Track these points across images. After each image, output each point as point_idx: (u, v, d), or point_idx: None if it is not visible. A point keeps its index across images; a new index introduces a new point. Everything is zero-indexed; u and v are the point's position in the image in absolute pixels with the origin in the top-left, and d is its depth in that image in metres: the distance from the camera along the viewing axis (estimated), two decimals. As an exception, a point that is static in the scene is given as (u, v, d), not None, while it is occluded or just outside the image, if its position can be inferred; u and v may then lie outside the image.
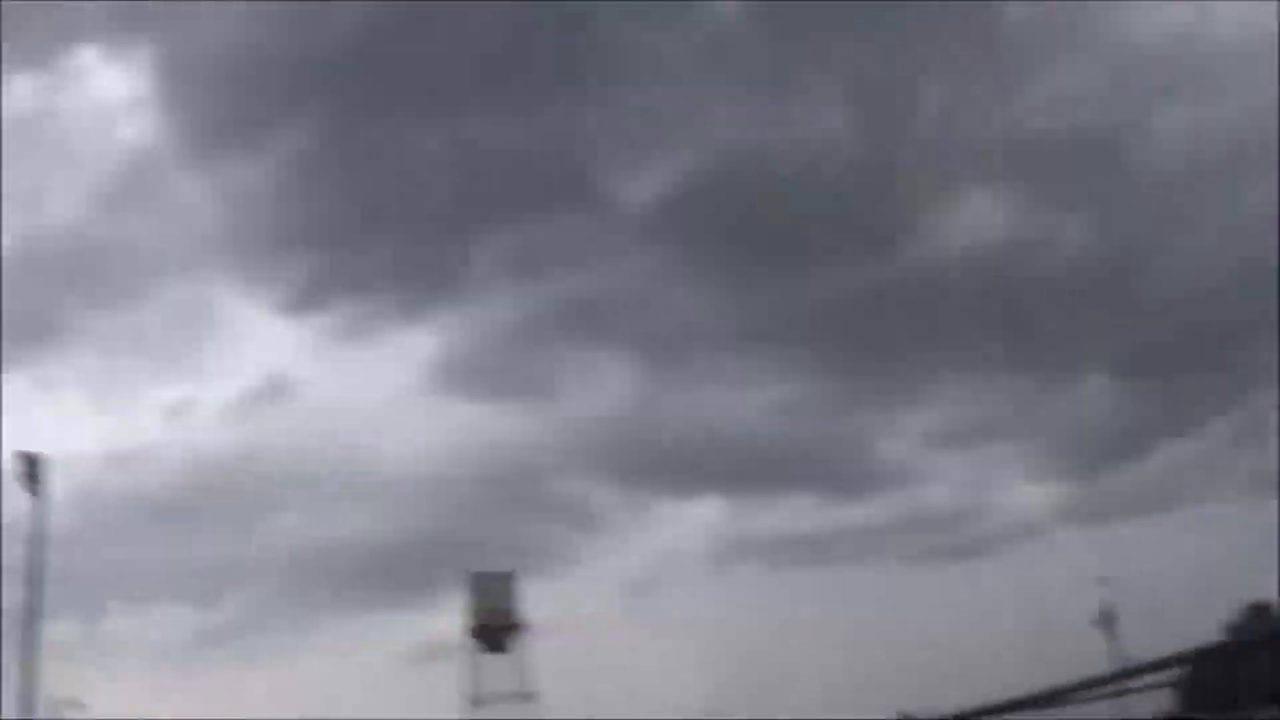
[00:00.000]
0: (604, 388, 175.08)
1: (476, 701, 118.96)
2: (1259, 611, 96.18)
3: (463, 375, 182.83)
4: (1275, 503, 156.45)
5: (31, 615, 55.16)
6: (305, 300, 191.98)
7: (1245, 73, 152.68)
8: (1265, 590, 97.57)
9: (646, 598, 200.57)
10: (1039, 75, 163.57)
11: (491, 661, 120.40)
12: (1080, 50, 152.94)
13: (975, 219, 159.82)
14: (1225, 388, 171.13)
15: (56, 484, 64.91)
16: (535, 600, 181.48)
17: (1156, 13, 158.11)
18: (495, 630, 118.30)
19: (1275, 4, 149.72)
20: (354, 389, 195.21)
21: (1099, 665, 75.68)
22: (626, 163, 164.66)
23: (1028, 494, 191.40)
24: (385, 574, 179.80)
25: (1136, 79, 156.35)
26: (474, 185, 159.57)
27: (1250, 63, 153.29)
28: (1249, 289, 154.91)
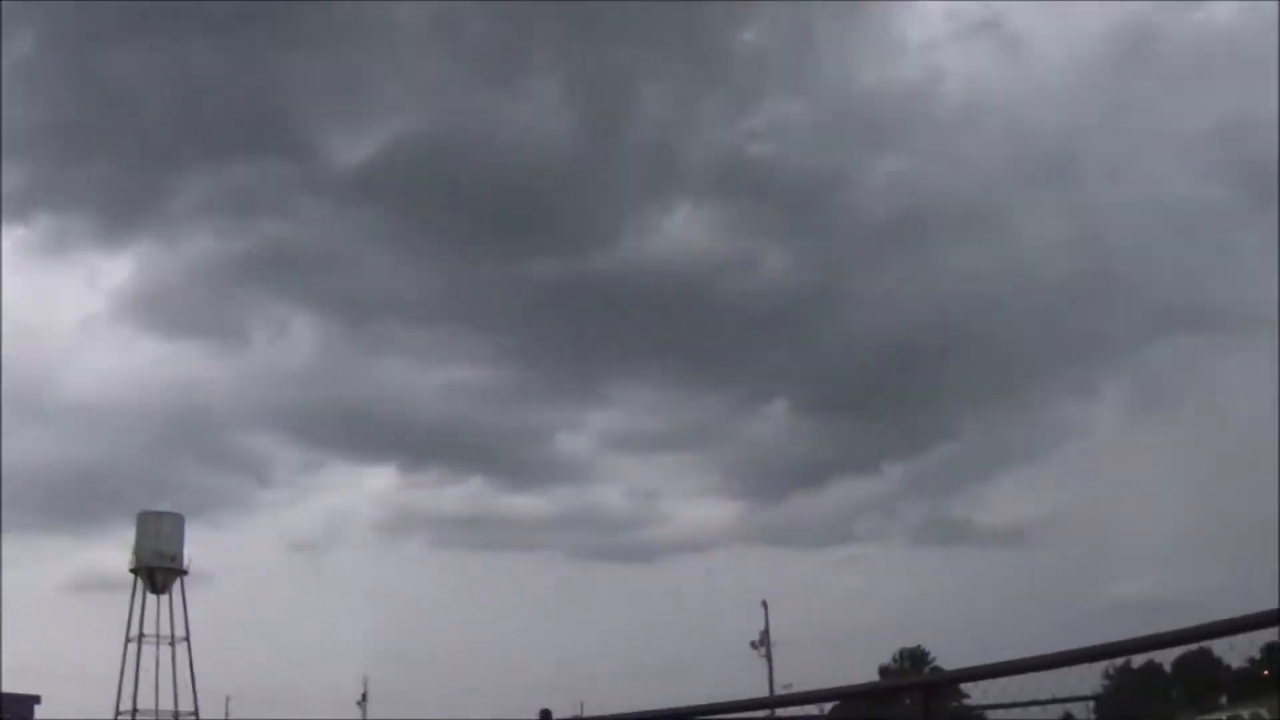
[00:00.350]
0: (293, 343, 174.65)
1: (132, 639, 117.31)
2: (914, 658, 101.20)
3: (154, 310, 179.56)
4: (936, 553, 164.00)
5: None
6: (6, 211, 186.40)
7: (963, 135, 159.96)
8: (918, 635, 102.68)
9: (311, 556, 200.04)
10: (763, 104, 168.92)
11: (151, 601, 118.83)
12: (807, 89, 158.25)
13: (681, 232, 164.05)
14: (906, 435, 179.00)
15: None
16: (201, 545, 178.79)
17: (889, 64, 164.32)
18: (158, 571, 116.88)
19: (1004, 67, 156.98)
20: (44, 309, 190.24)
21: (755, 687, 78.41)
22: (341, 121, 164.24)
23: (702, 508, 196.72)
24: (54, 501, 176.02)
25: (857, 125, 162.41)
26: (188, 120, 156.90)
27: (970, 126, 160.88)
28: (934, 344, 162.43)
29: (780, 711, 13.69)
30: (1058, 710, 14.94)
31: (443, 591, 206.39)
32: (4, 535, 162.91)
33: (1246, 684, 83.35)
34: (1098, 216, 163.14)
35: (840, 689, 9.04)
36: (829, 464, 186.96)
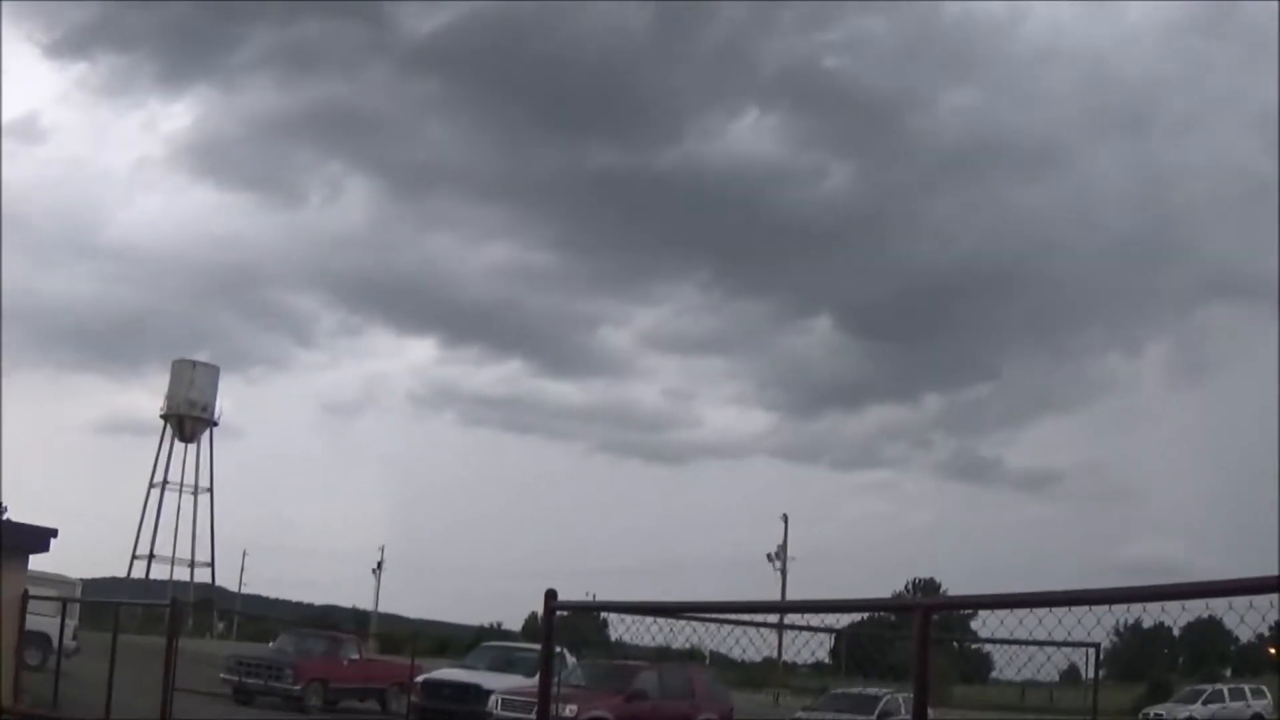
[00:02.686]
0: (345, 205, 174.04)
1: (156, 485, 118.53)
2: (925, 589, 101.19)
3: (209, 158, 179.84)
4: (962, 487, 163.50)
5: None
6: (70, 46, 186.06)
7: (1040, 74, 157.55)
8: (932, 568, 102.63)
9: (342, 420, 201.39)
10: (844, 18, 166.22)
11: (178, 450, 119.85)
12: (890, 8, 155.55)
13: (746, 138, 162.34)
14: (947, 368, 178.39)
15: None
16: (234, 399, 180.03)
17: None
18: (188, 420, 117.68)
19: (1088, 13, 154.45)
20: (100, 147, 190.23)
21: (766, 599, 78.47)
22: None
23: (734, 416, 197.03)
24: (92, 340, 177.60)
25: (935, 50, 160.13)
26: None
27: (1047, 67, 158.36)
28: (986, 279, 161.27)
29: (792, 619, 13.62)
30: (1062, 661, 14.74)
31: (468, 469, 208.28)
32: (38, 371, 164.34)
33: (1252, 659, 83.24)
34: (1162, 174, 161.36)
35: (841, 601, 8.87)
36: (866, 387, 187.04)
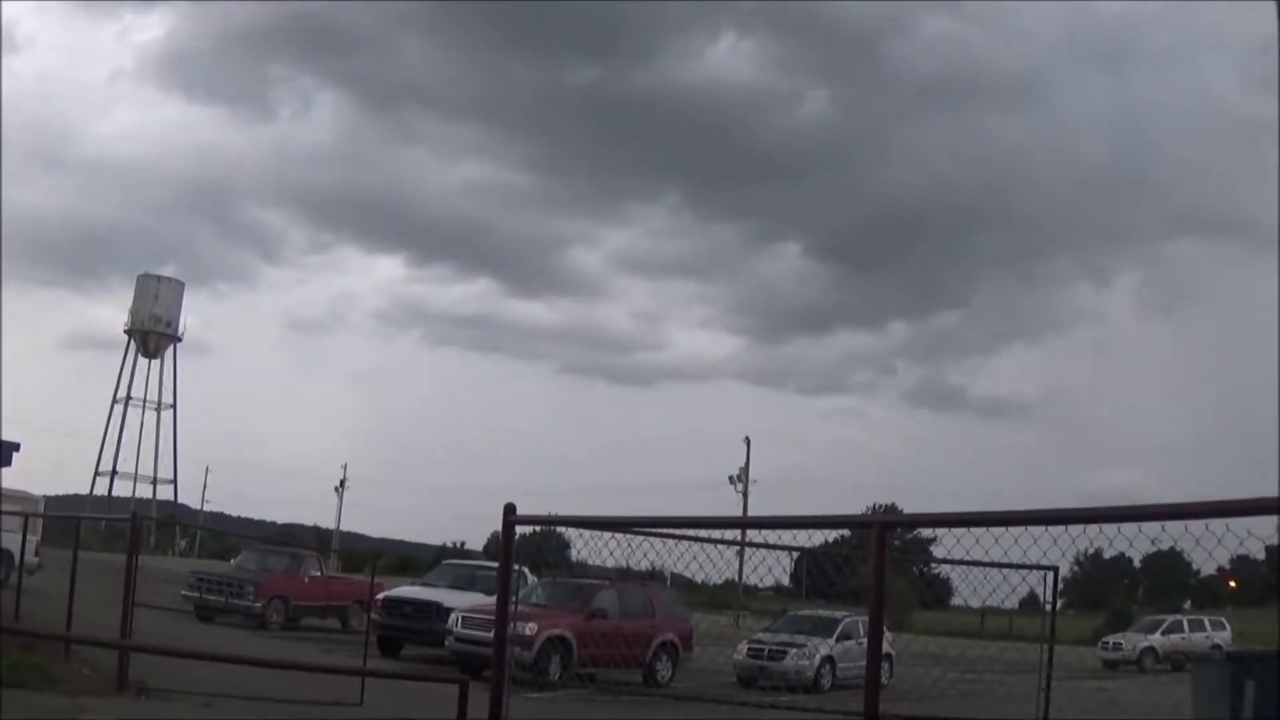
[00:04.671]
0: (316, 121, 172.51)
1: (120, 401, 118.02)
2: (887, 512, 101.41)
3: (181, 71, 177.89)
4: (928, 415, 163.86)
5: None
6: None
7: (1021, 5, 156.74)
8: (894, 494, 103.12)
9: (308, 338, 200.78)
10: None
11: (142, 365, 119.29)
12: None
13: (724, 61, 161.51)
14: (916, 296, 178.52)
15: None
16: (200, 314, 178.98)
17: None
18: (152, 335, 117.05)
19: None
20: (74, 59, 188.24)
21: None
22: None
23: (702, 339, 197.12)
24: (59, 253, 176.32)
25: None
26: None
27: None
28: (959, 209, 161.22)
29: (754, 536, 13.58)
30: (1023, 588, 14.73)
31: (433, 387, 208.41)
32: (6, 285, 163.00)
33: (1213, 591, 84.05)
34: (1140, 108, 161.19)
35: (799, 518, 8.80)
36: (834, 313, 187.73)
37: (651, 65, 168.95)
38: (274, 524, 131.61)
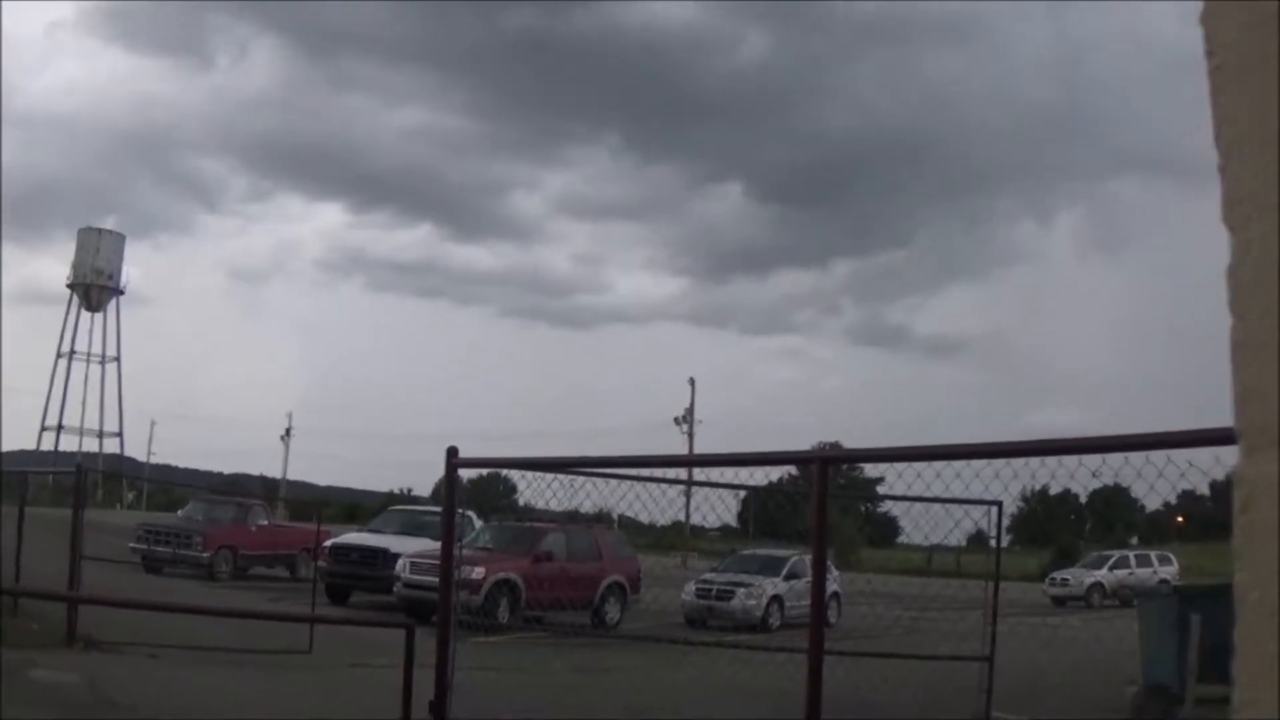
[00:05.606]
0: (255, 68, 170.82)
1: (63, 355, 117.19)
2: (831, 448, 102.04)
3: (120, 21, 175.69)
4: (871, 353, 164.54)
5: None
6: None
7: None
8: (839, 433, 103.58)
9: (250, 287, 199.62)
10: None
11: (85, 319, 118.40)
12: None
13: (669, 4, 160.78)
14: (857, 235, 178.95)
15: None
16: (142, 266, 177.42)
17: None
18: (94, 289, 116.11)
19: None
20: (9, 13, 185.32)
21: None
22: None
23: (643, 281, 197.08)
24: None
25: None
26: None
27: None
28: (899, 148, 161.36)
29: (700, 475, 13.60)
30: (970, 526, 14.79)
31: (375, 334, 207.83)
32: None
33: (1159, 527, 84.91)
34: (1080, 46, 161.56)
35: (742, 455, 8.82)
36: (775, 253, 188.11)
37: (592, 7, 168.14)
38: (221, 474, 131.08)
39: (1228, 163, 1.68)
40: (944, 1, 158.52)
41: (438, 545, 12.80)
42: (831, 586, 14.44)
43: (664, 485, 12.04)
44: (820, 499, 7.20)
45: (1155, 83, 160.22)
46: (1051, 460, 6.73)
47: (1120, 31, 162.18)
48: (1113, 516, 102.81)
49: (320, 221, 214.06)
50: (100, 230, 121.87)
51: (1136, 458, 6.23)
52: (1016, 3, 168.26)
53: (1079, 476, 6.86)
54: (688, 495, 15.93)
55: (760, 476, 15.57)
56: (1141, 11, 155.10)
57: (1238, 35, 1.68)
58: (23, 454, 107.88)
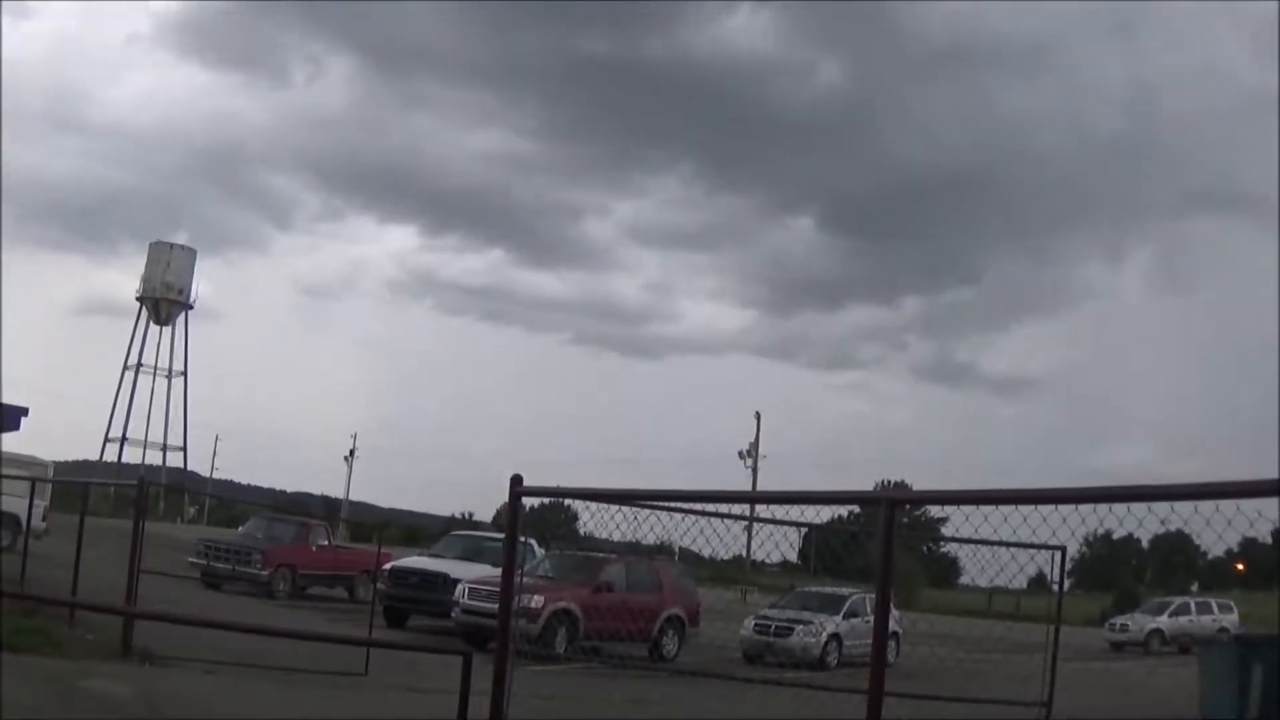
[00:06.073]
0: (327, 87, 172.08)
1: (130, 368, 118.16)
2: (896, 488, 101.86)
3: (197, 36, 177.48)
4: (938, 390, 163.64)
5: None
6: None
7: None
8: (903, 469, 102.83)
9: (320, 306, 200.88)
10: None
11: (154, 332, 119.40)
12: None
13: (740, 31, 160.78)
14: (927, 270, 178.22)
15: None
16: (212, 281, 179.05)
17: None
18: (164, 303, 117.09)
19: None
20: (89, 23, 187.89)
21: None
22: None
23: (713, 311, 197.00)
24: (71, 217, 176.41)
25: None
26: None
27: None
28: (971, 181, 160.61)
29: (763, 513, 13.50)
30: (1031, 568, 14.68)
31: (444, 357, 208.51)
32: (16, 249, 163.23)
33: (1220, 573, 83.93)
34: (1154, 80, 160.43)
35: (808, 493, 8.74)
36: (846, 286, 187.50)
37: (666, 34, 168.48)
38: (283, 492, 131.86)
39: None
40: (1018, 30, 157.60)
41: (498, 572, 12.80)
42: (891, 626, 14.29)
43: (726, 520, 11.99)
44: (886, 541, 7.13)
45: (1230, 118, 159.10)
46: (1119, 506, 6.64)
47: (1196, 65, 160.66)
48: (1174, 561, 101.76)
49: (391, 242, 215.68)
50: (171, 245, 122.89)
51: (1205, 505, 6.14)
52: (1093, 33, 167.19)
53: (1146, 522, 6.76)
54: (749, 531, 15.86)
55: (825, 514, 15.49)
56: (1218, 45, 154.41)
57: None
58: (86, 464, 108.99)
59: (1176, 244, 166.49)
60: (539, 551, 29.32)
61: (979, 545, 11.75)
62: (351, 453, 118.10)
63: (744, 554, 55.55)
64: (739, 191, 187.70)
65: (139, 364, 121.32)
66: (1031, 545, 10.64)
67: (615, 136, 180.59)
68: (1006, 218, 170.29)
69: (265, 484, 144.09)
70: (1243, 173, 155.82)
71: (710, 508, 11.57)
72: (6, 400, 21.15)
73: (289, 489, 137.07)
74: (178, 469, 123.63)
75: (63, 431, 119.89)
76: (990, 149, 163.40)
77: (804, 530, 19.15)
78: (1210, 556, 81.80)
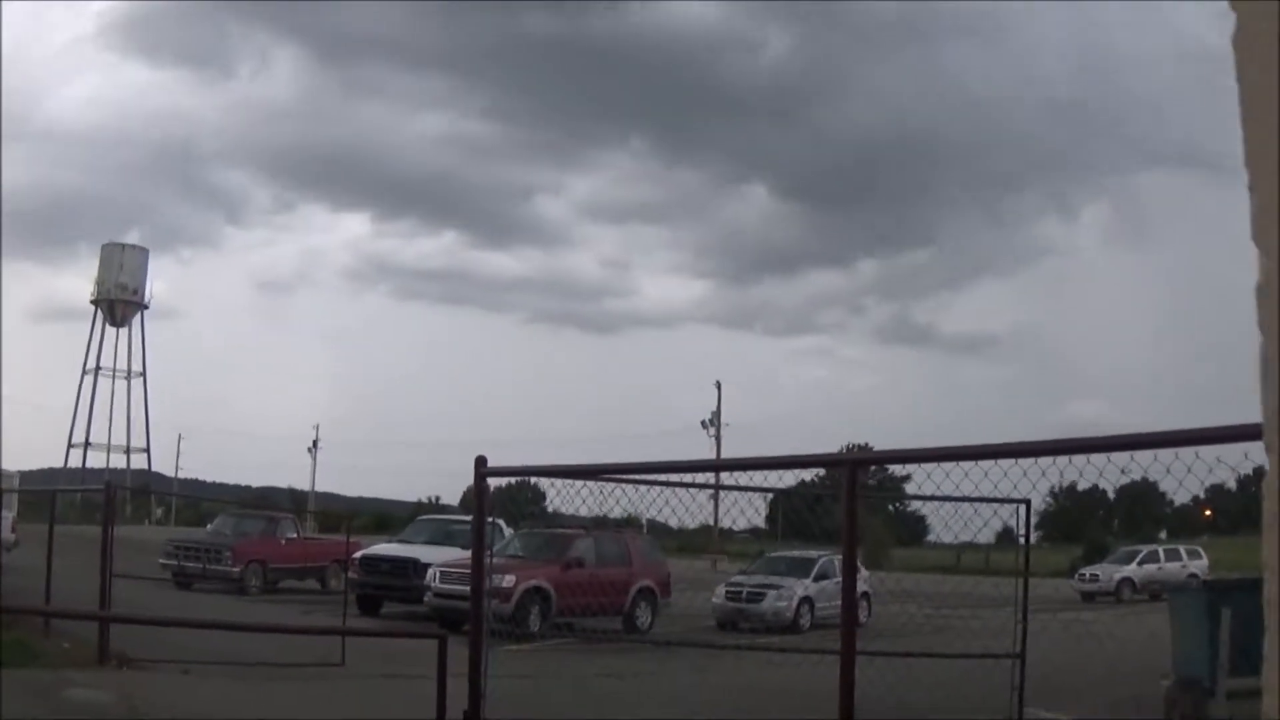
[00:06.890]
0: (275, 78, 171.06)
1: (89, 371, 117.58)
2: (860, 450, 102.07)
3: (141, 34, 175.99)
4: (898, 352, 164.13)
5: None
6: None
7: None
8: (867, 432, 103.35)
9: (275, 298, 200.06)
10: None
11: (110, 334, 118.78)
12: None
13: (688, 5, 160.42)
14: (882, 234, 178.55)
15: None
16: (166, 280, 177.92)
17: None
18: (119, 304, 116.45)
19: None
20: (33, 27, 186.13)
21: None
22: None
23: (669, 284, 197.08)
24: (22, 223, 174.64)
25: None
26: None
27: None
28: (923, 145, 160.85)
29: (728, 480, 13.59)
30: (997, 523, 14.77)
31: (403, 342, 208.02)
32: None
33: (1188, 521, 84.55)
34: (1107, 39, 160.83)
35: (771, 458, 8.83)
36: (801, 253, 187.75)
37: (614, 10, 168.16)
38: (249, 488, 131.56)
39: (1258, 182, 1.70)
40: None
41: (468, 554, 12.85)
42: (861, 586, 14.43)
43: (692, 490, 12.07)
44: (850, 502, 7.22)
45: (1179, 76, 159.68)
46: (1079, 458, 6.74)
47: (1145, 23, 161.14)
48: (1141, 511, 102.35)
49: (345, 231, 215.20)
50: (124, 245, 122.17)
51: (1165, 454, 6.24)
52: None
53: (1107, 473, 6.86)
54: (715, 499, 15.98)
55: (789, 478, 15.57)
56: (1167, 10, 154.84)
57: (1270, 57, 1.71)
58: (50, 472, 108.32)
59: (1133, 199, 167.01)
60: (508, 531, 29.37)
61: (943, 502, 11.83)
62: (315, 444, 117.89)
63: (711, 522, 55.81)
64: (693, 164, 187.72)
65: (98, 367, 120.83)
66: (994, 500, 10.74)
67: (566, 114, 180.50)
68: (960, 179, 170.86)
69: (231, 480, 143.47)
70: (1198, 126, 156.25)
71: (675, 478, 11.63)
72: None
73: (255, 484, 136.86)
74: (142, 470, 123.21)
75: (27, 441, 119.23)
76: (942, 112, 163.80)
77: (770, 496, 19.29)
78: (1177, 504, 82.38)
